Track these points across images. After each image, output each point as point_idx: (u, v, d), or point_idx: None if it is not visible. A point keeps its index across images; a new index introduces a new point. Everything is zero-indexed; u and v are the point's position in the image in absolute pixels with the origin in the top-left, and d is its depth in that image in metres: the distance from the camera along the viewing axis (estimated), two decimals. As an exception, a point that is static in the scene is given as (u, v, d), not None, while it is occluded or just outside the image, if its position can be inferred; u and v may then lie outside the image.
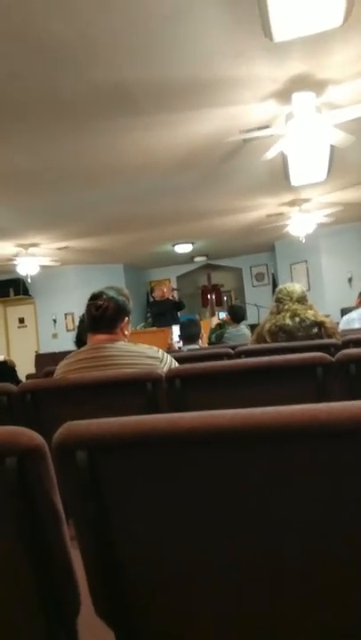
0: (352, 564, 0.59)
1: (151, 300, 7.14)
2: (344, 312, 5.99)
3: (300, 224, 6.40)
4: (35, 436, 0.60)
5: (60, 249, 7.01)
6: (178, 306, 6.72)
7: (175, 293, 6.92)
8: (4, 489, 0.60)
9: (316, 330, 2.39)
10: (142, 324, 7.78)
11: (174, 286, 8.78)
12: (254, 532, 0.61)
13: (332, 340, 2.20)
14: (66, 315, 8.61)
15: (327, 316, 2.68)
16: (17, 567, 0.65)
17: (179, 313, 6.68)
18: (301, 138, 3.18)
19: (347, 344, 2.07)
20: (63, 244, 6.88)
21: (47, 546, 0.65)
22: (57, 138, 3.54)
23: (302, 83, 3.03)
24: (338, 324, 3.96)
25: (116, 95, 3.01)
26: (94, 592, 0.67)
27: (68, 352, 1.84)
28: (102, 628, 0.68)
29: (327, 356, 1.45)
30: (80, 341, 2.81)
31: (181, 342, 4.32)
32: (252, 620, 0.65)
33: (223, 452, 0.60)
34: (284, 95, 3.15)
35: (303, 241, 6.86)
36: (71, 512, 0.66)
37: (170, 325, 5.83)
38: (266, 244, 8.87)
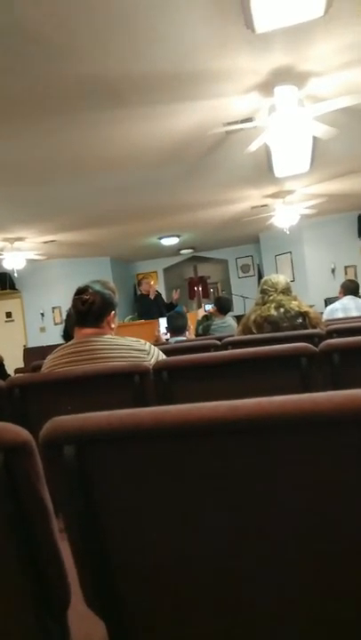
0: (342, 554, 0.61)
1: (138, 293, 7.14)
2: (328, 302, 6.06)
3: (285, 216, 6.43)
4: (21, 432, 0.61)
5: (46, 242, 6.96)
6: (171, 306, 6.75)
7: (157, 296, 6.96)
8: (-9, 484, 0.60)
9: (300, 320, 2.42)
10: (130, 317, 7.78)
11: (160, 282, 8.81)
12: (242, 523, 0.62)
13: (316, 330, 2.23)
14: (53, 308, 8.57)
15: (311, 306, 2.71)
16: (6, 560, 0.66)
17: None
18: (284, 130, 3.19)
19: (330, 334, 2.10)
20: (49, 238, 6.82)
21: (36, 540, 0.65)
22: (41, 131, 3.50)
23: (285, 75, 3.04)
24: (322, 314, 4.00)
25: (101, 88, 2.99)
26: (84, 583, 0.68)
27: (57, 345, 1.84)
28: (93, 619, 0.69)
29: (311, 346, 1.47)
30: (67, 335, 2.81)
31: (169, 334, 4.33)
32: (240, 609, 0.67)
33: (209, 444, 0.61)
34: (266, 87, 3.15)
35: (287, 232, 6.90)
36: (60, 506, 0.67)
37: (157, 318, 5.85)
38: (251, 236, 8.90)
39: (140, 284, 7.38)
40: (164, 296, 7.87)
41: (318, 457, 0.59)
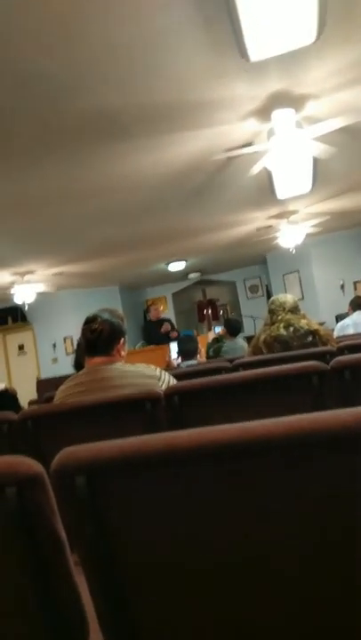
0: (348, 568, 0.60)
1: (148, 319, 7.20)
2: (339, 318, 6.02)
3: (290, 235, 6.47)
4: (33, 465, 0.61)
5: (55, 275, 7.06)
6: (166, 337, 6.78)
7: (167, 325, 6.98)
8: (4, 518, 0.61)
9: (310, 338, 2.41)
10: (141, 343, 7.79)
11: (169, 306, 8.86)
12: (262, 546, 0.62)
13: (328, 348, 2.22)
14: (65, 339, 8.62)
15: (322, 323, 2.71)
16: (23, 594, 0.66)
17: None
18: (284, 153, 3.25)
19: (342, 350, 2.08)
20: (58, 270, 6.92)
21: (51, 573, 0.65)
22: (46, 166, 3.59)
23: (281, 99, 3.10)
24: (333, 330, 3.98)
25: (103, 122, 3.08)
26: (101, 616, 0.68)
27: (69, 376, 1.85)
28: (112, 652, 0.68)
29: (321, 363, 1.46)
30: (79, 365, 2.82)
31: (180, 358, 4.33)
32: (264, 632, 0.65)
33: (222, 467, 0.61)
34: (264, 112, 3.22)
35: (293, 252, 6.93)
36: (74, 537, 0.66)
37: (165, 343, 5.87)
38: (258, 257, 8.94)
39: (148, 310, 7.44)
40: (173, 321, 7.90)
41: (330, 475, 0.59)
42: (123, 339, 1.79)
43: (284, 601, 0.63)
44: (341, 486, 0.59)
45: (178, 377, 1.87)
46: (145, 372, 1.74)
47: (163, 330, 6.83)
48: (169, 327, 6.86)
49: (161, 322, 6.94)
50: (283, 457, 0.59)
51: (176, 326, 7.18)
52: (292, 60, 2.66)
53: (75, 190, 4.23)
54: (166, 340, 6.10)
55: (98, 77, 2.60)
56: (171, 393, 1.51)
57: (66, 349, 8.59)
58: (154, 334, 6.74)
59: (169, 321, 7.23)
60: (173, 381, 1.78)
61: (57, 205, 4.54)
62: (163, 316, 7.23)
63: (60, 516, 0.66)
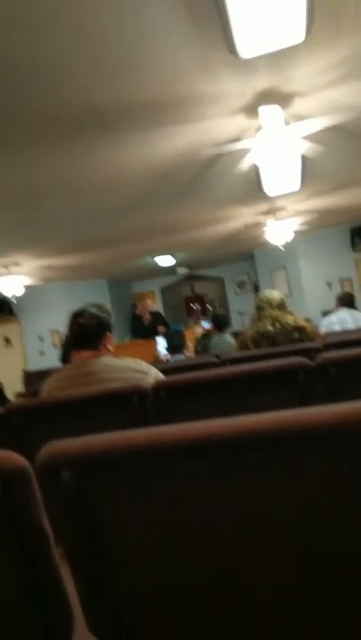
0: (337, 561, 0.61)
1: (136, 313, 7.17)
2: (325, 315, 6.08)
3: (278, 232, 6.50)
4: (18, 459, 0.61)
5: (42, 267, 7.00)
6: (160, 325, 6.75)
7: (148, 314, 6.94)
8: (-10, 512, 0.61)
9: (296, 334, 2.43)
10: (129, 337, 7.78)
11: (157, 301, 8.85)
12: (246, 540, 0.63)
13: (313, 344, 2.25)
14: (52, 332, 8.57)
15: (308, 320, 2.73)
16: (8, 588, 0.66)
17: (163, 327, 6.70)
18: (271, 150, 3.26)
19: (327, 347, 2.11)
20: (45, 263, 6.87)
21: (37, 566, 0.65)
22: (32, 158, 3.56)
23: (269, 96, 3.11)
24: (318, 327, 4.02)
25: (89, 116, 3.05)
26: (87, 609, 0.68)
27: (56, 369, 1.85)
28: (97, 645, 0.69)
29: (307, 360, 1.48)
30: (66, 359, 2.82)
31: (168, 353, 4.34)
32: (248, 634, 0.66)
33: (207, 463, 0.62)
34: (252, 109, 3.22)
35: (282, 249, 6.96)
36: (60, 531, 0.67)
37: (152, 337, 5.86)
38: (246, 253, 8.97)
39: (135, 306, 7.41)
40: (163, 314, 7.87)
41: (314, 471, 0.60)
42: (110, 333, 1.79)
43: (271, 594, 0.64)
44: (326, 482, 0.60)
45: (166, 372, 1.87)
46: (132, 366, 1.75)
47: (145, 320, 6.77)
48: (149, 318, 6.82)
49: (149, 316, 6.92)
50: (270, 452, 0.60)
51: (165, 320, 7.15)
52: (280, 57, 2.66)
53: (62, 184, 4.20)
54: (153, 334, 6.08)
55: (85, 71, 2.57)
56: (158, 387, 1.52)
57: (53, 342, 8.55)
58: (141, 329, 6.73)
59: (158, 314, 7.20)
60: (161, 376, 1.79)
61: (44, 199, 4.50)
62: (151, 309, 7.20)
63: (45, 509, 0.66)
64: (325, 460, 0.59)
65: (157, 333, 5.95)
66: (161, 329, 6.42)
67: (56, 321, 8.15)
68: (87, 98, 2.84)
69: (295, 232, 6.68)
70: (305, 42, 2.41)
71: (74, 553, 0.66)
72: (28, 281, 7.03)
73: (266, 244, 7.38)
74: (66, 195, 4.49)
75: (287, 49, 2.50)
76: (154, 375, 1.78)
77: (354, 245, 7.79)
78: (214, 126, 3.44)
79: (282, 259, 8.21)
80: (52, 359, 7.63)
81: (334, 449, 0.59)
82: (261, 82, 2.96)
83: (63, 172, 3.95)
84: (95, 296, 7.28)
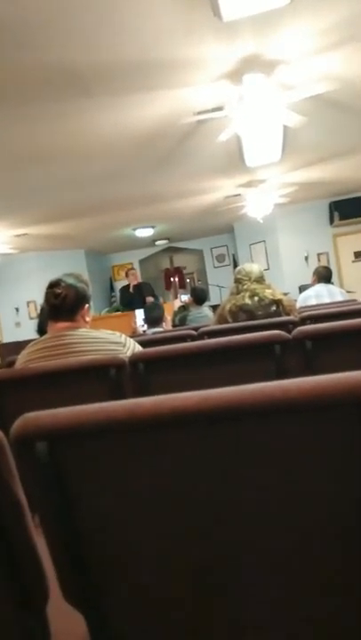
0: (314, 536, 0.63)
1: (126, 284, 7.08)
2: (302, 289, 6.14)
3: (258, 205, 6.46)
4: (-8, 430, 0.60)
5: (18, 236, 6.83)
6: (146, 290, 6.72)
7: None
8: None
9: (274, 308, 2.45)
10: (107, 309, 7.73)
11: (136, 270, 8.78)
12: (219, 511, 0.63)
13: (290, 318, 2.26)
14: (28, 303, 8.44)
15: (286, 294, 2.75)
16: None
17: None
18: (254, 119, 3.20)
19: (304, 320, 2.13)
20: (21, 231, 6.70)
21: (11, 536, 0.65)
22: (6, 119, 3.42)
23: (253, 63, 3.03)
24: (296, 301, 4.06)
25: (67, 76, 2.93)
26: (62, 578, 0.69)
27: (32, 340, 1.82)
28: (73, 614, 0.69)
29: (284, 333, 1.49)
30: (42, 330, 2.77)
31: (146, 326, 4.33)
32: (221, 599, 0.68)
33: (184, 435, 0.61)
34: (235, 76, 3.15)
35: (261, 222, 6.94)
36: (35, 502, 0.66)
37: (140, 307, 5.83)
38: (225, 226, 8.92)
39: (126, 274, 7.32)
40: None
41: (291, 443, 0.60)
42: (87, 304, 1.76)
43: (253, 565, 0.65)
44: (299, 454, 0.60)
45: (143, 344, 1.86)
46: (110, 338, 1.73)
47: (132, 289, 6.73)
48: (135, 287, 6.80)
49: (140, 287, 6.86)
50: (247, 424, 0.60)
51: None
52: (265, 22, 2.59)
53: (37, 150, 4.06)
54: (141, 304, 6.04)
55: (62, 29, 2.46)
56: (135, 360, 1.51)
57: (29, 313, 8.43)
58: (129, 299, 6.63)
59: (147, 285, 7.14)
60: (138, 348, 1.78)
61: (17, 165, 4.35)
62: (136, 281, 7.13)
63: (20, 480, 0.66)
64: (301, 430, 0.59)
65: (145, 304, 5.92)
66: (149, 299, 6.40)
67: (32, 292, 8.02)
68: (65, 58, 2.72)
69: (275, 205, 6.66)
70: (290, 5, 2.34)
71: (48, 523, 0.66)
72: (2, 249, 6.86)
73: (245, 217, 7.35)
74: (41, 161, 4.35)
75: (272, 13, 2.43)
76: (132, 347, 1.77)
77: (332, 220, 7.81)
78: (196, 93, 3.36)
79: (261, 232, 8.20)
80: (28, 330, 7.53)
81: (310, 420, 0.59)
82: (245, 47, 2.88)
83: (37, 137, 3.81)
84: (72, 267, 7.14)
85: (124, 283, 7.55)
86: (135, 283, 6.85)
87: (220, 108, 3.44)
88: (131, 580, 0.69)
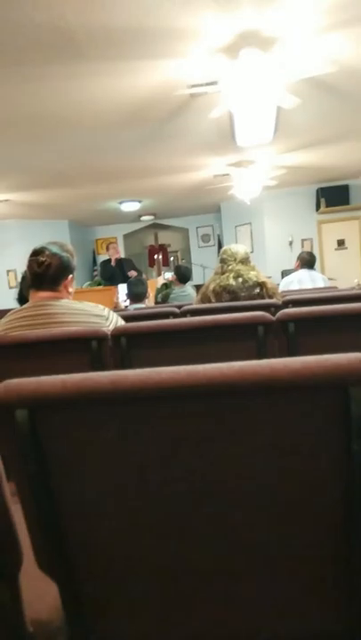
0: (294, 509, 0.63)
1: (107, 258, 6.97)
2: (285, 274, 6.17)
3: (246, 186, 6.41)
4: (-29, 395, 0.58)
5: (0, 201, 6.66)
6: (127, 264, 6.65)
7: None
8: None
9: (258, 290, 2.45)
10: (88, 283, 7.63)
11: (120, 247, 8.67)
12: (197, 485, 0.63)
13: (273, 301, 2.27)
14: (8, 271, 8.27)
15: (269, 277, 2.75)
16: None
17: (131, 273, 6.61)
18: (248, 96, 3.14)
19: (286, 304, 2.14)
20: (3, 197, 6.52)
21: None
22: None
23: (251, 38, 2.96)
24: (278, 285, 4.08)
25: (59, 39, 2.81)
26: (36, 546, 0.68)
27: (11, 309, 1.78)
28: (45, 581, 0.69)
29: (268, 315, 1.49)
30: (22, 299, 2.73)
31: (128, 301, 4.30)
32: (196, 571, 0.68)
33: (168, 409, 0.61)
34: (232, 50, 3.07)
35: (248, 203, 6.90)
36: (11, 469, 0.65)
37: (122, 282, 5.77)
38: (212, 206, 8.85)
39: (107, 248, 7.20)
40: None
41: (274, 420, 0.60)
42: (71, 275, 1.73)
43: (231, 537, 0.66)
44: (277, 432, 0.61)
45: (126, 319, 1.85)
46: (92, 310, 1.71)
47: (113, 262, 6.64)
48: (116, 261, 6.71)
49: (121, 261, 6.76)
50: (227, 401, 0.60)
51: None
52: (267, -4, 2.52)
53: (23, 113, 3.92)
54: (123, 279, 5.96)
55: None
56: (118, 334, 1.50)
57: (9, 282, 8.27)
58: (117, 274, 6.53)
59: (129, 260, 7.05)
60: (121, 322, 1.76)
61: (3, 129, 4.20)
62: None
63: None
64: (281, 409, 0.60)
65: (127, 279, 5.86)
66: (132, 273, 6.33)
67: (12, 260, 7.86)
68: (54, 18, 2.60)
69: (263, 188, 6.62)
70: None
71: (25, 490, 0.65)
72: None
73: (233, 198, 7.29)
74: (27, 127, 4.21)
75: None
76: (114, 321, 1.75)
77: (318, 206, 7.82)
78: (190, 65, 3.27)
79: (247, 214, 8.16)
80: (6, 300, 7.39)
81: (291, 399, 0.59)
82: (244, 21, 2.80)
83: (29, 101, 3.68)
84: (55, 237, 6.96)
85: (107, 257, 7.45)
86: (117, 256, 6.76)
87: (214, 83, 3.36)
88: (104, 549, 0.69)
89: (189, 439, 0.62)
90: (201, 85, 3.40)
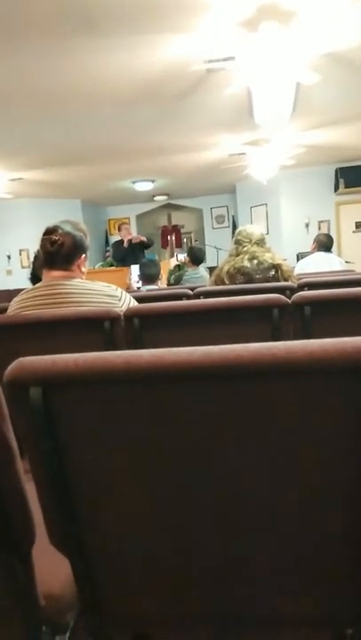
0: (313, 490, 0.63)
1: (119, 239, 6.91)
2: (300, 257, 6.08)
3: (262, 166, 6.30)
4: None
5: (13, 180, 6.63)
6: (145, 245, 6.57)
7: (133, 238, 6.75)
8: None
9: (273, 272, 2.42)
10: (101, 264, 7.62)
11: (132, 229, 8.59)
12: (212, 466, 0.63)
13: (288, 283, 2.24)
14: (20, 251, 8.30)
15: (284, 259, 2.71)
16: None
17: (146, 251, 6.54)
18: (267, 71, 3.05)
19: (302, 287, 2.11)
20: (17, 175, 6.49)
21: (0, 479, 0.65)
22: (9, 57, 3.23)
23: (271, 12, 2.86)
24: (294, 268, 4.02)
25: (74, 13, 2.75)
26: (49, 522, 0.69)
27: (23, 289, 1.78)
28: (58, 557, 0.70)
29: (283, 297, 1.47)
30: (35, 278, 2.73)
31: (141, 282, 4.28)
32: (211, 549, 0.68)
33: (183, 389, 0.60)
34: (251, 25, 2.97)
35: (265, 183, 6.78)
36: (26, 447, 0.65)
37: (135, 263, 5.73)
38: (227, 186, 8.72)
39: (119, 229, 7.13)
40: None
41: (291, 403, 0.59)
42: (84, 254, 1.72)
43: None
44: (293, 415, 0.60)
45: (139, 300, 1.84)
46: (106, 290, 1.70)
47: (133, 241, 6.56)
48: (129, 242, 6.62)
49: (134, 243, 6.69)
50: (242, 383, 0.59)
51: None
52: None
53: (36, 89, 3.87)
54: (135, 260, 5.90)
55: None
56: (131, 315, 1.49)
57: (21, 262, 8.31)
58: (123, 253, 6.49)
59: (142, 243, 6.97)
60: (134, 303, 1.75)
61: (17, 105, 4.16)
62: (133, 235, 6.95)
63: (12, 424, 0.65)
64: (298, 391, 0.59)
65: (139, 260, 5.82)
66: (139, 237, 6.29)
67: (25, 239, 7.87)
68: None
69: (280, 167, 6.49)
70: None
71: (38, 467, 0.65)
72: (-3, 193, 6.67)
73: (248, 178, 7.17)
74: (41, 103, 4.16)
75: None
76: (127, 302, 1.74)
77: (337, 187, 7.66)
78: (207, 40, 3.18)
79: (263, 194, 8.03)
80: (19, 279, 7.44)
81: (308, 381, 0.58)
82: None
83: (43, 76, 3.63)
84: (68, 217, 6.91)
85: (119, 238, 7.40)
86: (129, 237, 6.69)
87: (231, 58, 3.27)
88: (116, 526, 0.69)
89: (202, 420, 0.61)
90: (218, 61, 3.31)
